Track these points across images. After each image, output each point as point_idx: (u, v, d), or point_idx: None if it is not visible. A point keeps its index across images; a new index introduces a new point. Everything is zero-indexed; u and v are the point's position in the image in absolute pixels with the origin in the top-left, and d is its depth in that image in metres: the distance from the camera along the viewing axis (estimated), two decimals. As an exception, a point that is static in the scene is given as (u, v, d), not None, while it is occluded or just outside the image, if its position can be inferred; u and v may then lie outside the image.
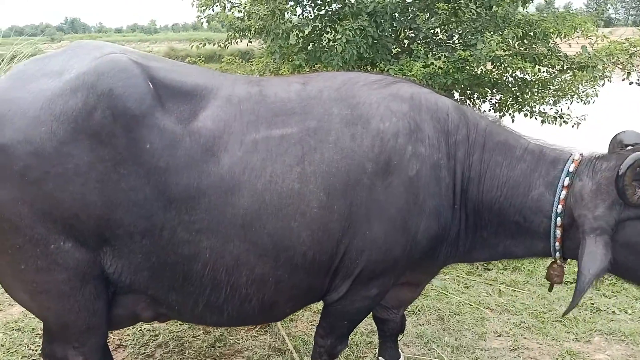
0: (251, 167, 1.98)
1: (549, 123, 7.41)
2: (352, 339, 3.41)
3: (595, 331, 3.61)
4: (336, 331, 2.57)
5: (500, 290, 4.36)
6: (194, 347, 3.27)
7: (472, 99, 7.54)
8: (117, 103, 1.84)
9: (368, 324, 3.52)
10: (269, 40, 5.47)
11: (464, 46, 5.57)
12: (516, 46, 5.61)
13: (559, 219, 2.15)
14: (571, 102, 7.04)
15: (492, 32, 5.17)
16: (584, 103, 6.96)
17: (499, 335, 3.56)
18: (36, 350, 3.19)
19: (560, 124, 7.45)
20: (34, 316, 2.70)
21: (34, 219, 1.82)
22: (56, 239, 1.86)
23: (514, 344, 3.43)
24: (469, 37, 5.58)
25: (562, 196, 2.14)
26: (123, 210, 1.88)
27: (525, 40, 5.65)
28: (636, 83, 6.54)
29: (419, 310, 3.88)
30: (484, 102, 7.58)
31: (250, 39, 6.09)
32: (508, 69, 5.41)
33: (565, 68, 5.83)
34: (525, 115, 7.28)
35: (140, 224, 1.90)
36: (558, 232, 2.17)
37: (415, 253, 2.27)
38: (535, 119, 7.43)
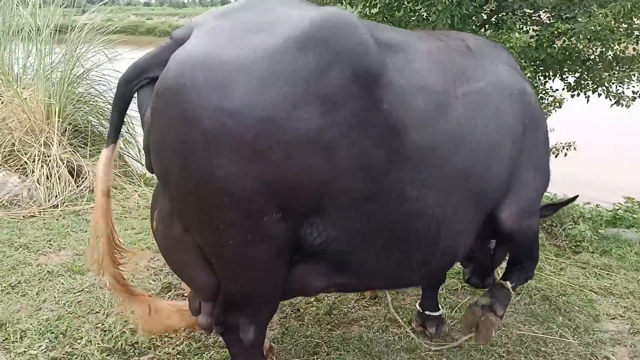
0: (468, 119, 2.04)
1: (622, 105, 7.12)
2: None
3: None
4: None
5: (596, 273, 4.26)
6: (310, 314, 3.25)
7: (546, 75, 7.25)
8: (358, 62, 1.66)
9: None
10: (358, 7, 5.32)
11: (559, 20, 5.32)
12: (618, 21, 5.35)
13: None
14: (655, 82, 6.73)
15: (594, 5, 4.91)
16: (671, 80, 6.64)
17: (613, 318, 3.47)
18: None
19: (629, 106, 7.16)
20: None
21: (256, 192, 1.61)
22: (271, 210, 1.67)
23: (632, 327, 3.33)
24: (564, 9, 5.32)
25: None
26: (352, 177, 1.72)
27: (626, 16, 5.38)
28: None
29: (520, 290, 3.80)
30: (554, 80, 7.28)
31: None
32: (609, 44, 5.14)
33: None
34: (599, 95, 7.00)
35: (368, 188, 1.77)
36: None
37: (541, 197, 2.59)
38: (610, 99, 7.14)
